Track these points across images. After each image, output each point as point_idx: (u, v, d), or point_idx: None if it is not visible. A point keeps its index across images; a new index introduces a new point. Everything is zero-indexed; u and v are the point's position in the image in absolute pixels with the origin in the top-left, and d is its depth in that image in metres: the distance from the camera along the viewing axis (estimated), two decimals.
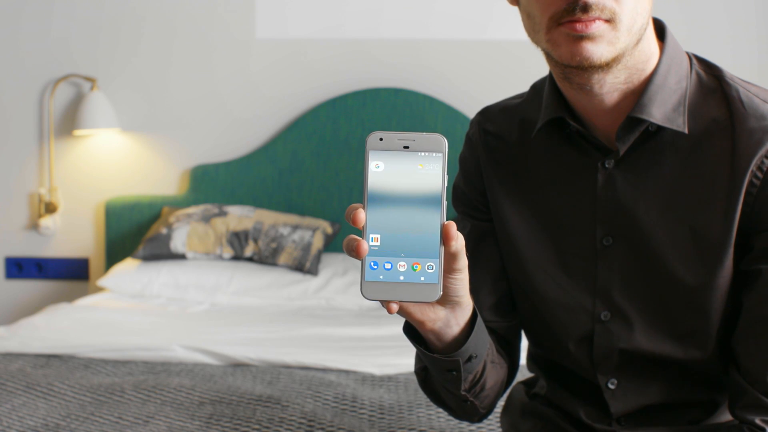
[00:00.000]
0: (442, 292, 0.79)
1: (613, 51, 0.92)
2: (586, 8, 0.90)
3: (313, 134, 3.25)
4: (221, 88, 3.32)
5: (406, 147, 0.78)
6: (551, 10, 0.92)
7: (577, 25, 0.91)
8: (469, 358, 0.95)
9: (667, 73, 0.99)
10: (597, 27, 0.91)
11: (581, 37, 0.91)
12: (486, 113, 1.16)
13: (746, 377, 0.97)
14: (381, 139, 0.78)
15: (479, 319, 0.94)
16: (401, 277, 0.78)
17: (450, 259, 0.79)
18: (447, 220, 0.78)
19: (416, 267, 0.78)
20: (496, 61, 3.19)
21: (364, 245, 0.77)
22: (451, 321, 0.89)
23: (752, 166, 0.95)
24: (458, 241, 0.78)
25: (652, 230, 1.00)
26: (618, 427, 1.08)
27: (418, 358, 1.08)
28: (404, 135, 0.78)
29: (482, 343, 0.96)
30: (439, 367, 0.96)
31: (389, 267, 0.78)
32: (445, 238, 0.77)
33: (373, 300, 0.79)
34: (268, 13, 3.29)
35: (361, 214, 0.77)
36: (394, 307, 0.80)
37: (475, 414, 1.08)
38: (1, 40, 3.34)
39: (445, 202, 0.78)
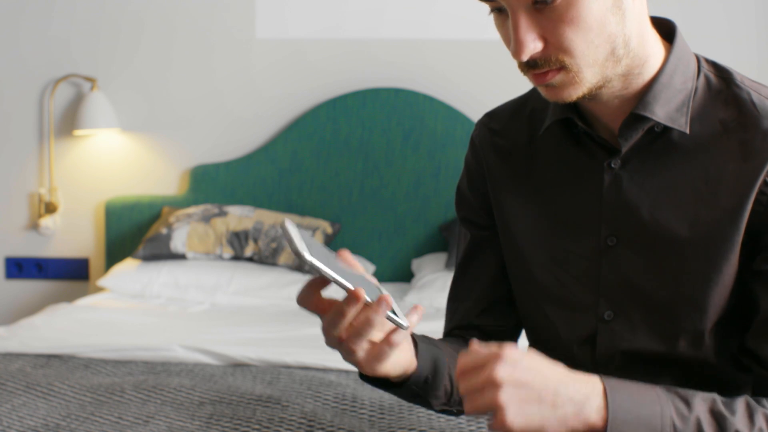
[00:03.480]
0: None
1: (583, 88, 0.93)
2: (534, 64, 0.91)
3: (313, 134, 3.25)
4: (221, 88, 3.33)
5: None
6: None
7: (534, 79, 0.93)
8: (425, 381, 1.00)
9: (673, 73, 0.99)
10: (552, 76, 0.92)
11: (545, 86, 0.93)
12: (493, 115, 1.17)
13: None
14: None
15: (421, 346, 1.00)
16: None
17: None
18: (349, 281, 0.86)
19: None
20: (496, 61, 3.20)
21: (360, 290, 0.85)
22: (402, 361, 0.96)
23: (766, 167, 0.95)
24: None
25: (656, 231, 1.00)
26: None
27: None
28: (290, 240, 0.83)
29: (428, 363, 1.01)
30: (405, 396, 1.02)
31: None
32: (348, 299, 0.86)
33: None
34: (268, 13, 3.29)
35: (361, 291, 0.84)
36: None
37: (460, 414, 1.13)
38: (1, 40, 3.34)
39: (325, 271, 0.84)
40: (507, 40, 0.94)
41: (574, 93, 0.93)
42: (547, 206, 1.08)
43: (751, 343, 1.00)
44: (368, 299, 0.85)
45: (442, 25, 3.25)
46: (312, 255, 0.81)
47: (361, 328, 0.87)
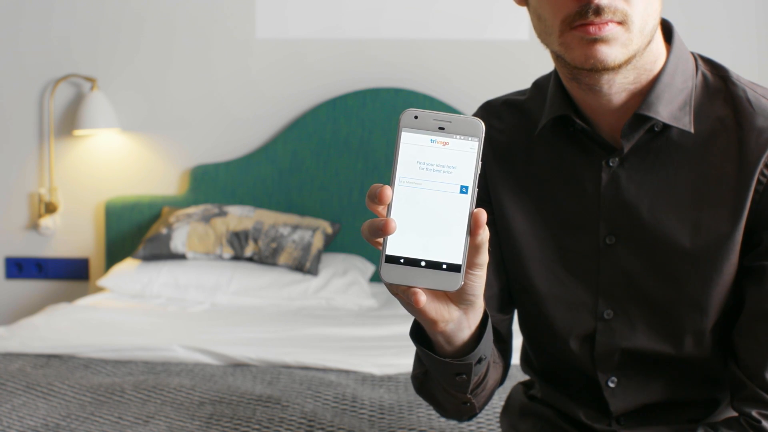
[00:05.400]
0: (462, 282, 0.74)
1: (627, 53, 0.93)
2: (598, 11, 0.90)
3: (313, 134, 3.25)
4: (221, 88, 3.32)
5: (441, 128, 0.74)
6: (563, 12, 0.92)
7: (590, 28, 0.91)
8: (479, 361, 0.91)
9: (674, 72, 0.99)
10: (610, 30, 0.91)
11: (595, 40, 0.92)
12: (489, 108, 1.15)
13: (745, 371, 0.98)
14: (416, 117, 0.74)
15: (490, 322, 0.90)
16: (422, 263, 0.74)
17: (473, 251, 0.75)
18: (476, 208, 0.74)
19: (439, 253, 0.74)
20: (496, 61, 3.19)
21: (392, 223, 0.72)
22: (462, 323, 0.84)
23: (760, 164, 0.96)
24: (485, 233, 0.74)
25: (655, 229, 1.00)
26: (618, 426, 1.08)
27: (418, 363, 1.06)
28: (440, 115, 0.75)
29: (490, 344, 0.93)
30: (447, 371, 0.92)
31: (411, 251, 0.74)
32: (473, 225, 0.73)
33: (391, 283, 0.74)
34: (268, 13, 3.29)
35: (388, 191, 0.73)
36: (422, 299, 0.75)
37: (471, 413, 1.06)
38: (1, 40, 3.34)
39: (476, 190, 0.74)
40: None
41: (620, 54, 0.92)
42: (545, 204, 1.07)
43: (733, 340, 1.00)
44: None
45: (442, 25, 3.25)
46: None
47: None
